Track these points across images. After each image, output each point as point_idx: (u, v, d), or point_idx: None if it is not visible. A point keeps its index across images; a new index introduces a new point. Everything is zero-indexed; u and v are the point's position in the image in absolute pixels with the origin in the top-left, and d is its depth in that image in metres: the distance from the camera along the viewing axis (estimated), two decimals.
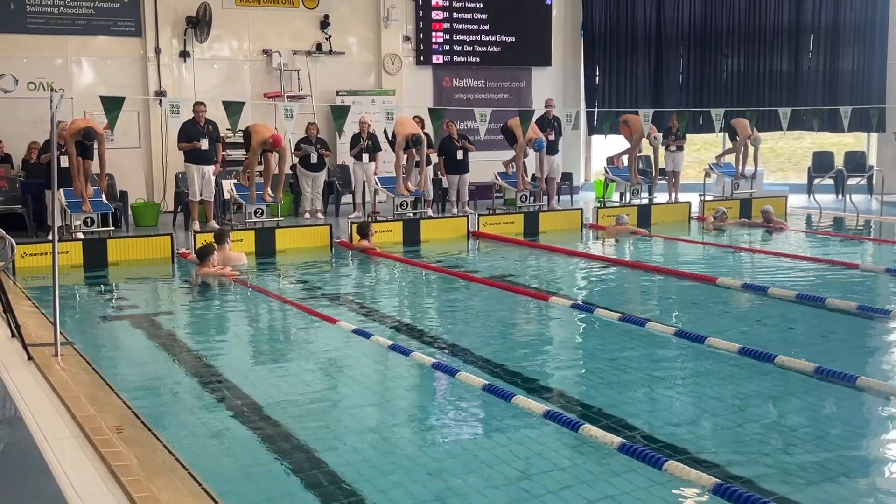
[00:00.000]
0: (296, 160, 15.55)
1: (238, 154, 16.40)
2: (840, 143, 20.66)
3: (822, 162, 19.14)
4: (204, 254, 10.35)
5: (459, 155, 16.15)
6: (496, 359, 6.96)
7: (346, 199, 16.67)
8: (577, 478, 4.66)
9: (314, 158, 15.25)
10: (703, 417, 5.70)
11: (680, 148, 17.63)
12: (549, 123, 16.62)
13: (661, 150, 17.18)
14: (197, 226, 13.70)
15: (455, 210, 16.10)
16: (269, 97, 16.93)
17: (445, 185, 16.79)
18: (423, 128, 15.72)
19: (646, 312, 8.32)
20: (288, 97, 16.69)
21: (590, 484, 4.57)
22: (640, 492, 4.43)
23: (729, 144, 18.52)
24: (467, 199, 16.52)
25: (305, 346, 7.71)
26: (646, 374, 6.66)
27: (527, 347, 7.61)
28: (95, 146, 12.74)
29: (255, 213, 13.59)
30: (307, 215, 15.33)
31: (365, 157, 15.61)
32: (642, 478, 4.53)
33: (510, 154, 18.47)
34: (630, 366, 6.84)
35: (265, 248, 12.54)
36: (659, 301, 9.48)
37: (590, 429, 5.02)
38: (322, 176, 15.70)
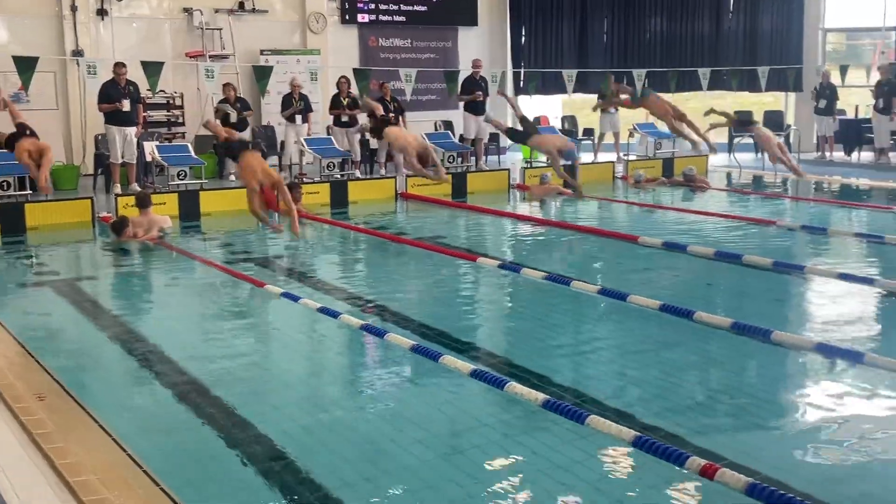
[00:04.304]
0: (217, 121, 15.27)
1: (159, 115, 16.07)
2: (759, 103, 21.08)
3: (741, 121, 19.54)
4: (119, 228, 10.13)
5: (392, 117, 15.99)
6: (425, 320, 7.02)
7: (272, 160, 16.47)
8: (502, 434, 4.77)
9: (233, 118, 15.00)
10: (625, 373, 5.85)
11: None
12: (476, 84, 16.62)
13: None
14: (118, 189, 13.41)
15: (384, 171, 16.02)
16: (190, 57, 16.56)
17: (374, 146, 16.70)
18: (348, 87, 15.58)
19: (570, 271, 8.46)
20: (210, 57, 16.35)
21: (515, 439, 4.68)
22: (564, 446, 4.55)
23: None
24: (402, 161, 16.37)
25: (232, 311, 7.66)
26: (570, 332, 6.80)
27: (455, 308, 7.68)
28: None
29: (178, 175, 13.35)
30: (232, 177, 15.12)
31: (298, 118, 15.42)
32: (566, 432, 4.65)
33: (438, 115, 18.46)
34: (555, 324, 6.97)
35: (189, 212, 12.34)
36: (583, 260, 9.64)
37: (515, 386, 5.13)
38: (245, 137, 15.45)
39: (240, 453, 4.53)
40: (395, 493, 4.05)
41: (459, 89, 16.62)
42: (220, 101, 15.10)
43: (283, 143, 16.36)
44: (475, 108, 16.69)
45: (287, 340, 6.80)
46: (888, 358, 5.60)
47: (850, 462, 4.39)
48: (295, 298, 7.41)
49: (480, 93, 16.61)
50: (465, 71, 16.96)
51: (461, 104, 17.02)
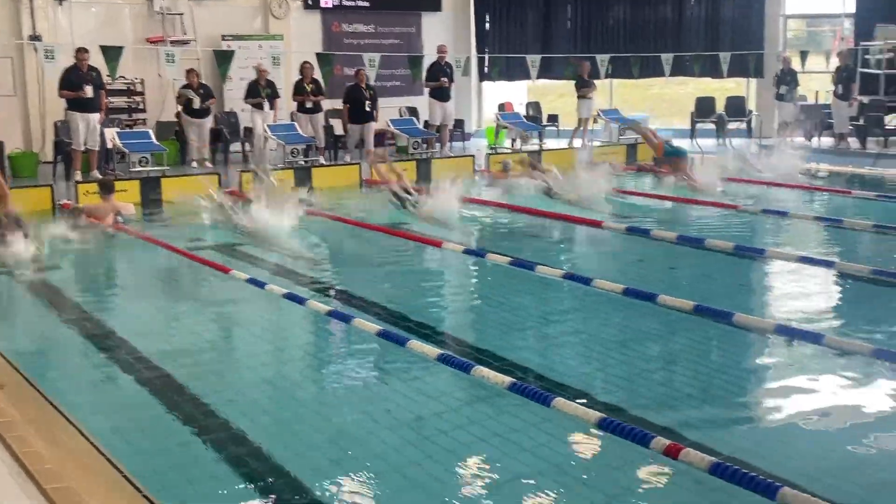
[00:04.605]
0: (179, 107, 15.14)
1: (120, 101, 15.85)
2: (722, 89, 21.26)
3: (704, 107, 19.70)
4: (72, 216, 10.03)
5: (367, 104, 15.91)
6: (391, 305, 7.02)
7: (235, 147, 16.34)
8: (468, 418, 4.79)
9: (197, 104, 14.85)
10: (590, 356, 5.89)
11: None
12: (442, 70, 16.59)
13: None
14: (79, 176, 13.23)
15: (348, 158, 15.93)
16: (151, 42, 16.34)
17: (338, 132, 16.62)
18: (312, 72, 15.47)
19: (535, 256, 8.48)
20: (171, 42, 16.15)
21: (481, 423, 4.71)
22: (530, 428, 4.59)
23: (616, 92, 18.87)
24: (373, 148, 16.21)
25: (197, 297, 7.61)
26: (535, 317, 6.83)
27: (420, 293, 7.69)
28: None
29: (140, 161, 13.20)
30: (194, 164, 14.98)
31: (265, 105, 15.29)
32: (532, 415, 4.68)
33: (402, 101, 18.37)
34: (520, 308, 7.00)
35: (151, 199, 12.21)
36: (548, 245, 9.67)
37: (481, 370, 5.14)
38: (208, 123, 15.30)
39: (205, 440, 4.51)
40: (362, 478, 4.05)
41: (425, 75, 16.59)
42: (183, 87, 14.95)
43: (246, 129, 16.22)
44: (441, 94, 16.66)
45: (253, 327, 6.77)
46: (846, 339, 5.70)
47: (808, 440, 4.47)
48: (261, 284, 7.37)
49: (446, 79, 16.58)
50: (429, 56, 16.92)
51: (426, 90, 16.99)
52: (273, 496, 3.90)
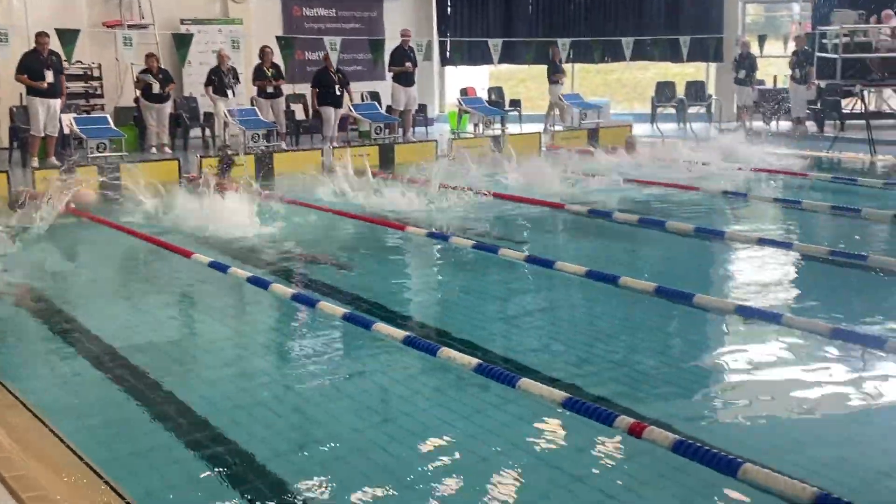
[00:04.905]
0: (137, 92, 14.94)
1: (77, 86, 15.60)
2: (682, 74, 21.45)
3: (664, 91, 19.86)
4: (14, 203, 9.89)
5: (337, 88, 15.80)
6: (354, 289, 7.00)
7: (195, 132, 16.17)
8: (434, 400, 4.80)
9: (156, 89, 14.67)
10: (554, 339, 5.93)
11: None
12: (406, 54, 16.53)
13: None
14: (36, 162, 13.02)
15: (329, 146, 15.80)
16: (108, 26, 16.09)
17: (299, 117, 16.52)
18: (272, 57, 15.35)
19: (499, 239, 8.51)
20: (128, 26, 15.91)
21: (447, 405, 4.72)
22: (495, 410, 4.61)
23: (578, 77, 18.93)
24: (336, 134, 16.09)
25: (159, 282, 7.54)
26: (499, 300, 6.86)
27: (385, 276, 7.68)
28: None
29: (98, 147, 13.01)
30: (153, 149, 14.81)
31: (229, 92, 15.12)
32: (496, 397, 4.71)
33: (364, 85, 18.28)
34: (484, 291, 7.03)
35: (110, 184, 12.02)
36: (512, 228, 9.70)
37: (447, 352, 5.16)
38: (167, 108, 15.13)
39: (166, 426, 4.47)
40: (326, 462, 4.04)
41: (389, 60, 16.54)
42: (142, 72, 14.75)
43: (206, 114, 16.07)
44: (405, 79, 16.61)
45: (215, 310, 6.72)
46: (804, 318, 5.80)
47: (769, 419, 4.54)
48: (223, 268, 7.31)
49: (410, 63, 16.53)
50: (391, 41, 16.85)
51: (389, 75, 16.93)
52: (236, 481, 3.88)
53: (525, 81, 28.33)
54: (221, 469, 4.00)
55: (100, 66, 15.97)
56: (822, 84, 17.92)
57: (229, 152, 13.84)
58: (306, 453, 4.16)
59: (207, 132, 16.02)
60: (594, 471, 3.98)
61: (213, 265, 7.45)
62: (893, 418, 4.49)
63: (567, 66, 18.92)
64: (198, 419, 4.56)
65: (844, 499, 3.34)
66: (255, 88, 15.63)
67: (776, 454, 3.99)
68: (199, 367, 5.46)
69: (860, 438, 4.30)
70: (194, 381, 5.14)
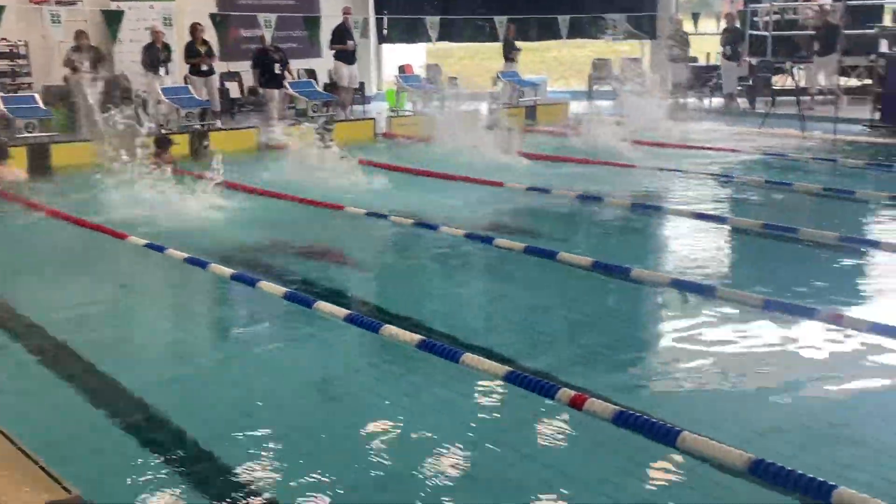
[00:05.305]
0: (67, 71, 14.54)
1: (2, 64, 15.13)
2: (618, 52, 21.62)
3: (600, 69, 20.01)
4: None
5: (277, 67, 15.56)
6: (294, 268, 6.96)
7: (128, 112, 15.79)
8: (377, 378, 4.82)
9: (86, 67, 14.26)
10: (494, 314, 5.98)
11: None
12: (348, 32, 16.36)
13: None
14: None
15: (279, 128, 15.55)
16: (35, 2, 15.61)
17: (234, 95, 16.27)
18: (203, 33, 15.06)
19: (437, 217, 8.49)
20: (57, 2, 15.45)
21: (390, 382, 4.74)
22: (438, 387, 4.64)
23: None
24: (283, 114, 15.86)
25: (93, 265, 7.39)
26: (439, 277, 6.88)
27: (324, 256, 7.63)
28: None
29: (27, 127, 12.67)
30: (84, 129, 14.43)
31: (162, 70, 14.80)
32: (439, 373, 4.73)
33: (300, 63, 18.05)
34: (425, 268, 7.04)
35: (39, 166, 11.75)
36: (450, 205, 9.67)
37: (390, 329, 5.16)
38: (98, 87, 14.74)
39: (105, 411, 4.41)
40: (268, 443, 4.02)
41: (331, 38, 16.38)
42: (71, 49, 14.36)
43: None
44: (348, 57, 16.47)
45: (153, 293, 6.63)
46: (738, 290, 5.93)
47: (706, 389, 4.64)
48: (160, 249, 7.20)
49: (352, 42, 16.37)
50: (326, 19, 16.65)
51: (326, 52, 16.76)
52: (176, 463, 3.84)
53: (463, 59, 28.31)
54: (161, 451, 3.96)
55: (27, 44, 15.49)
56: (754, 61, 18.23)
57: (163, 131, 13.59)
58: (248, 434, 4.13)
59: (140, 110, 15.67)
60: (537, 443, 4.02)
61: (149, 246, 7.33)
62: (825, 386, 4.62)
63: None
64: (136, 401, 4.50)
65: (778, 464, 3.43)
66: (188, 66, 15.33)
67: (713, 423, 4.09)
68: (136, 348, 5.38)
69: (794, 406, 4.42)
70: (132, 363, 5.06)
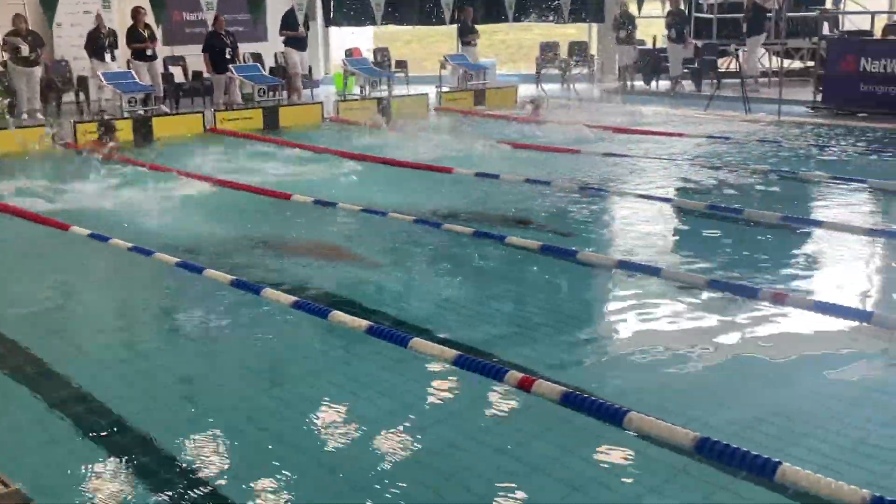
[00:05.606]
0: (6, 57, 14.19)
1: None
2: (566, 35, 21.69)
3: (548, 52, 20.07)
4: None
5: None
6: (240, 256, 6.87)
7: (68, 97, 15.49)
8: (325, 364, 4.79)
9: (25, 52, 13.96)
10: (443, 299, 5.96)
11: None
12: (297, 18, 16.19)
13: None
14: None
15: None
16: None
17: (178, 80, 16.02)
18: (145, 17, 14.78)
19: (385, 203, 8.43)
20: None
21: (338, 369, 4.72)
22: (386, 372, 4.63)
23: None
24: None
25: (35, 256, 7.23)
26: (387, 262, 6.84)
27: (271, 245, 7.53)
28: None
29: None
30: (25, 116, 14.12)
31: (107, 55, 14.50)
32: (387, 359, 4.72)
33: (246, 47, 17.84)
34: (373, 253, 7.00)
35: None
36: (398, 191, 9.63)
37: (338, 315, 5.13)
38: (37, 72, 14.42)
39: (45, 401, 4.32)
40: (214, 431, 3.97)
41: (282, 23, 16.20)
42: (9, 34, 14.00)
43: (79, 78, 15.42)
44: (299, 43, 16.29)
45: (96, 282, 6.50)
46: (683, 271, 6.01)
47: (653, 369, 4.69)
48: (104, 239, 7.06)
49: (302, 28, 16.20)
50: (271, 1, 16.42)
51: (272, 37, 16.58)
52: (121, 455, 3.76)
53: (411, 43, 28.19)
54: (105, 444, 3.89)
55: None
56: (699, 44, 18.43)
57: (106, 117, 13.34)
58: (194, 423, 4.08)
59: (82, 97, 15.38)
60: (486, 426, 4.04)
61: (93, 236, 7.19)
62: (768, 364, 4.70)
63: (452, 28, 18.87)
64: (79, 393, 4.42)
65: (723, 442, 3.48)
66: (130, 51, 15.04)
67: (659, 402, 4.14)
68: (79, 338, 5.29)
69: (738, 385, 4.49)
70: (75, 353, 4.97)
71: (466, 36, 17.99)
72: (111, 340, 5.25)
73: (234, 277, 5.95)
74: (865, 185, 8.90)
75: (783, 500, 3.32)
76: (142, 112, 13.89)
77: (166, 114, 14.41)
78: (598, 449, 3.76)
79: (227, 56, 15.26)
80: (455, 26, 19.13)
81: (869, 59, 14.04)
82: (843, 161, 10.49)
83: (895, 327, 5.02)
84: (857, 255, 6.84)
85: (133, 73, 14.73)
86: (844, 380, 4.50)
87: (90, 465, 3.69)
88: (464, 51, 17.98)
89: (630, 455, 3.71)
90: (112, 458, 3.75)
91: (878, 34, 17.13)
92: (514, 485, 3.50)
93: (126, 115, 13.47)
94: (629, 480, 3.55)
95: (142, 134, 13.06)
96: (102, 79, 14.17)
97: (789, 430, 3.92)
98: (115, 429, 4.03)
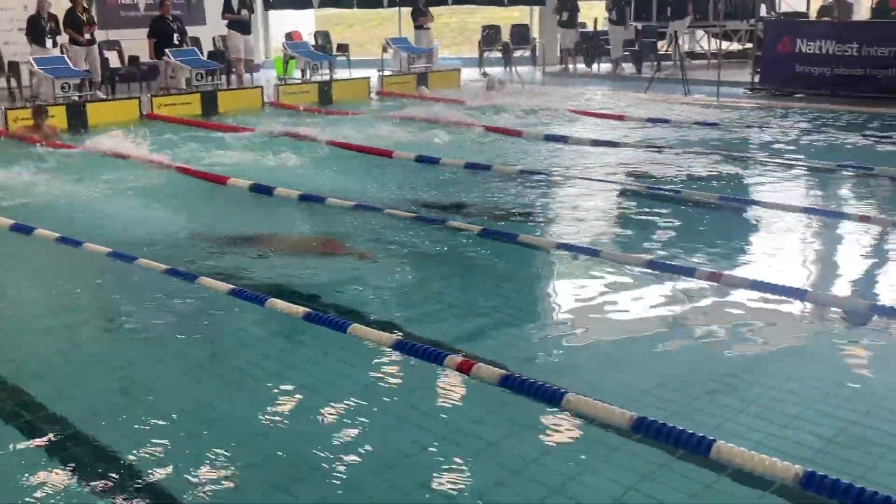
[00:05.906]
0: None
1: None
2: (508, 18, 21.71)
3: (490, 35, 20.05)
4: None
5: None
6: (175, 244, 6.74)
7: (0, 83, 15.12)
8: (264, 353, 4.72)
9: None
10: (382, 283, 5.91)
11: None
12: (241, 1, 15.92)
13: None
14: None
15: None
16: None
17: (114, 65, 15.69)
18: (85, 1, 14.45)
19: (323, 188, 8.33)
20: None
21: (277, 357, 4.65)
22: (326, 358, 4.59)
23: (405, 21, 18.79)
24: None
25: None
26: (308, 247, 6.76)
27: (206, 231, 7.39)
28: None
29: None
30: None
31: (49, 42, 14.10)
32: (327, 345, 4.67)
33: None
34: (312, 241, 6.93)
35: None
36: (336, 175, 9.52)
37: (275, 302, 5.06)
38: None
39: None
40: (152, 422, 3.88)
41: (224, 7, 15.94)
42: None
43: (10, 63, 15.02)
44: (243, 26, 16.05)
45: (23, 276, 6.31)
46: (621, 252, 6.04)
47: (591, 350, 4.71)
48: (28, 230, 6.86)
49: (246, 11, 15.95)
50: None
51: (212, 21, 16.32)
52: (56, 450, 3.67)
53: (353, 26, 27.99)
54: (40, 438, 3.78)
55: None
56: (640, 26, 18.57)
57: (38, 102, 13.00)
58: (132, 417, 3.98)
59: (13, 83, 14.98)
60: (426, 411, 4.01)
61: (16, 228, 6.98)
62: (706, 343, 4.75)
63: (393, 11, 18.78)
64: (11, 387, 4.30)
65: (660, 421, 3.50)
66: (67, 36, 14.68)
67: (598, 383, 4.16)
68: (10, 334, 5.13)
69: (677, 365, 4.52)
70: (9, 350, 4.83)
71: (418, 19, 17.87)
72: (44, 334, 5.11)
73: (168, 266, 5.82)
74: (802, 165, 9.05)
75: (720, 477, 3.35)
76: (76, 98, 13.56)
77: (102, 100, 14.09)
78: (536, 430, 3.76)
79: (176, 42, 15.00)
80: (396, 10, 19.08)
81: (805, 40, 14.26)
82: (780, 142, 10.65)
83: (828, 304, 5.11)
84: (792, 233, 6.95)
85: (67, 57, 14.37)
86: (783, 356, 4.57)
87: (25, 461, 3.59)
88: (417, 34, 17.87)
89: (568, 436, 3.72)
90: (47, 455, 3.65)
91: (813, 15, 17.44)
92: (453, 468, 3.48)
93: (60, 101, 13.14)
94: (569, 462, 3.55)
95: (76, 121, 12.74)
96: (34, 64, 13.80)
97: (726, 408, 3.96)
98: (48, 423, 3.92)
